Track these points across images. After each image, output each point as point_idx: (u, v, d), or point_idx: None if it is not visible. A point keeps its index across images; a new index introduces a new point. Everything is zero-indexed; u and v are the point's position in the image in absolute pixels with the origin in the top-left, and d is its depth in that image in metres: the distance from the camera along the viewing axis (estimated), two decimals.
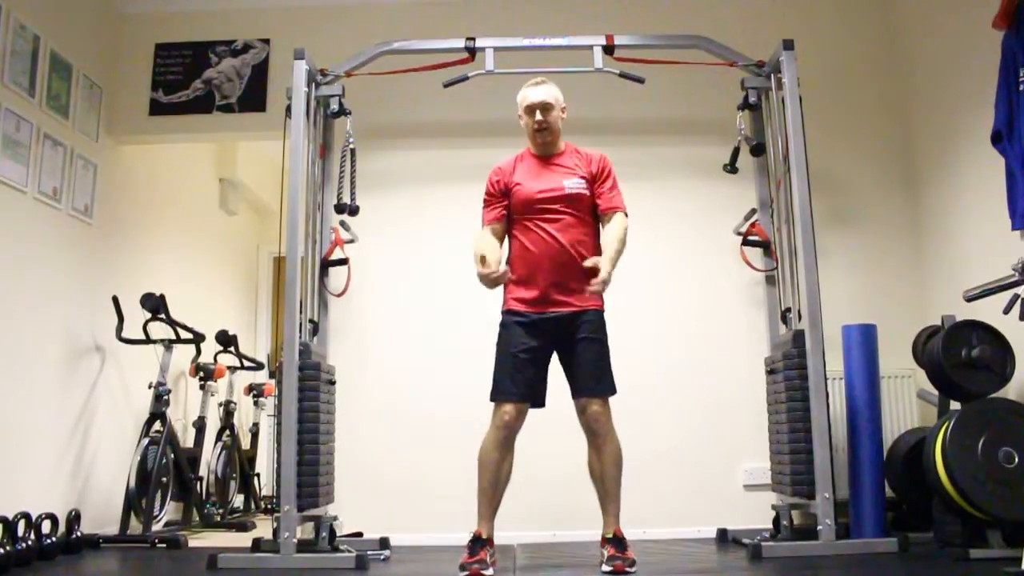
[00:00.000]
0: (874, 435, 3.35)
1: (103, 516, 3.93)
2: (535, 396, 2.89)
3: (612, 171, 3.01)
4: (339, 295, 3.70)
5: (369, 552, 3.14)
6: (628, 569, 2.69)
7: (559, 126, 3.00)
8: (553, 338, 2.89)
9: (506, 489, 2.86)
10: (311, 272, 3.53)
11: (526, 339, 2.87)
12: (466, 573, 2.66)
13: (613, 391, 2.88)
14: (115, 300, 4.05)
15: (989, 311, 3.00)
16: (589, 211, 2.96)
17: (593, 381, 2.85)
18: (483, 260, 2.75)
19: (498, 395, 2.86)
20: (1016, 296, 2.74)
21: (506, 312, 2.94)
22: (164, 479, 3.99)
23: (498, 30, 3.83)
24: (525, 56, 3.77)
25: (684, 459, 3.83)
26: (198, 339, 4.31)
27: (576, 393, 2.87)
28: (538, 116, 2.94)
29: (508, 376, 2.86)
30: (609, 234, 2.90)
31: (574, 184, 2.93)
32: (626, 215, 2.97)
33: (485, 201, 3.02)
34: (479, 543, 2.76)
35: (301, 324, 3.31)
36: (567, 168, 2.98)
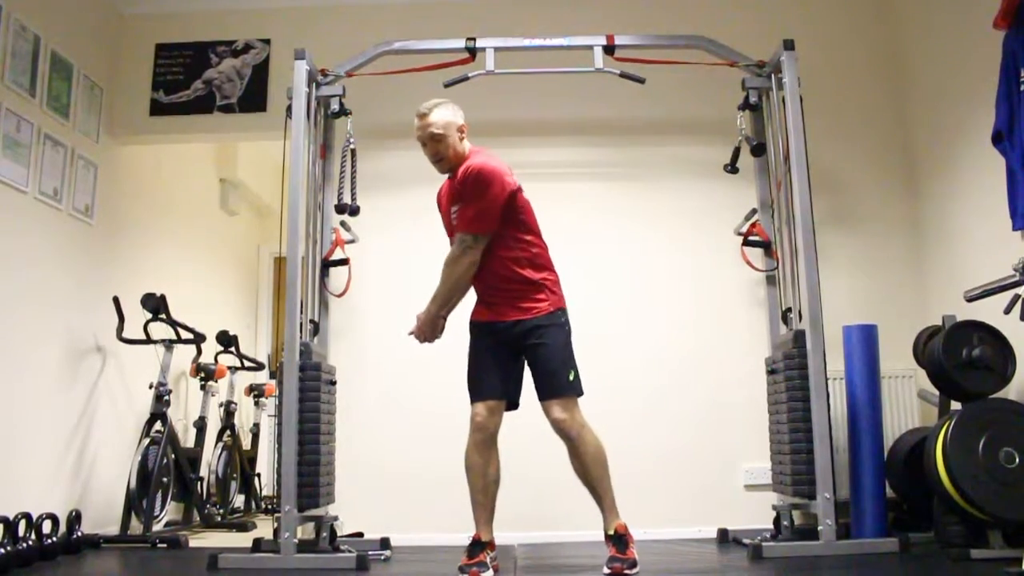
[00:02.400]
0: (875, 435, 3.34)
1: (104, 516, 3.93)
2: (505, 395, 2.88)
3: (469, 185, 2.78)
4: (340, 295, 3.71)
5: (370, 552, 3.14)
6: (627, 571, 2.68)
7: (457, 150, 2.87)
8: (507, 343, 2.88)
9: (498, 491, 2.85)
10: (312, 272, 3.53)
11: (482, 339, 2.92)
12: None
13: (567, 392, 2.81)
14: (116, 300, 4.05)
15: (990, 311, 3.00)
16: None
17: (545, 386, 2.83)
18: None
19: (470, 396, 2.88)
20: (1017, 296, 2.74)
21: (469, 321, 2.99)
22: (165, 479, 4.00)
23: (499, 30, 3.82)
24: (526, 56, 3.78)
25: (685, 459, 3.83)
26: (199, 339, 4.31)
27: (539, 399, 2.85)
28: (427, 150, 2.89)
29: (473, 376, 2.90)
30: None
31: (454, 212, 2.91)
32: (469, 235, 2.80)
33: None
34: (478, 546, 2.76)
35: (302, 324, 3.32)
36: (455, 194, 2.91)
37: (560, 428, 2.81)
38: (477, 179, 2.77)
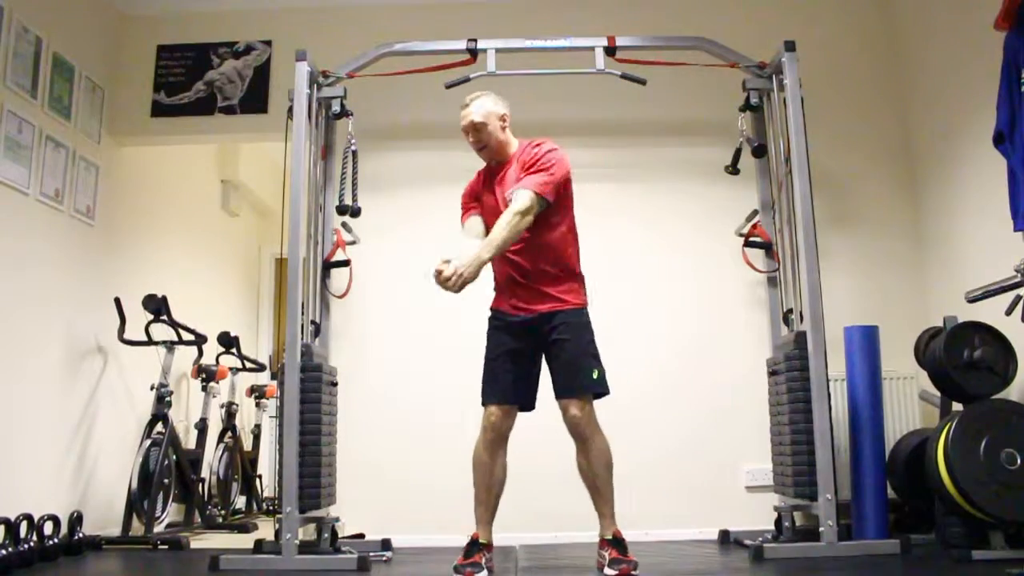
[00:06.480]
0: (876, 436, 3.34)
1: (105, 517, 3.93)
2: (521, 398, 2.87)
3: (541, 156, 2.82)
4: (341, 296, 3.71)
5: (371, 553, 3.15)
6: (633, 572, 2.69)
7: (499, 138, 2.92)
8: (531, 340, 2.88)
9: (502, 492, 2.86)
10: (313, 273, 3.53)
11: (504, 340, 2.90)
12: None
13: (591, 391, 2.80)
14: (117, 301, 4.05)
15: (991, 312, 3.00)
16: (541, 214, 2.81)
17: (567, 382, 2.82)
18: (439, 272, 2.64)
19: (483, 397, 2.87)
20: (1018, 297, 2.74)
21: (489, 315, 2.98)
22: (166, 480, 3.99)
23: (500, 31, 3.83)
24: (527, 57, 3.78)
25: (686, 460, 3.82)
26: (200, 340, 4.31)
27: (556, 395, 2.85)
28: (471, 139, 2.93)
29: (489, 379, 2.88)
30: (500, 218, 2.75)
31: (510, 194, 2.82)
32: (534, 194, 2.73)
33: (462, 207, 3.03)
34: (476, 546, 2.76)
35: (303, 325, 3.32)
36: (510, 178, 2.90)
37: (575, 426, 2.80)
38: (550, 151, 2.85)
